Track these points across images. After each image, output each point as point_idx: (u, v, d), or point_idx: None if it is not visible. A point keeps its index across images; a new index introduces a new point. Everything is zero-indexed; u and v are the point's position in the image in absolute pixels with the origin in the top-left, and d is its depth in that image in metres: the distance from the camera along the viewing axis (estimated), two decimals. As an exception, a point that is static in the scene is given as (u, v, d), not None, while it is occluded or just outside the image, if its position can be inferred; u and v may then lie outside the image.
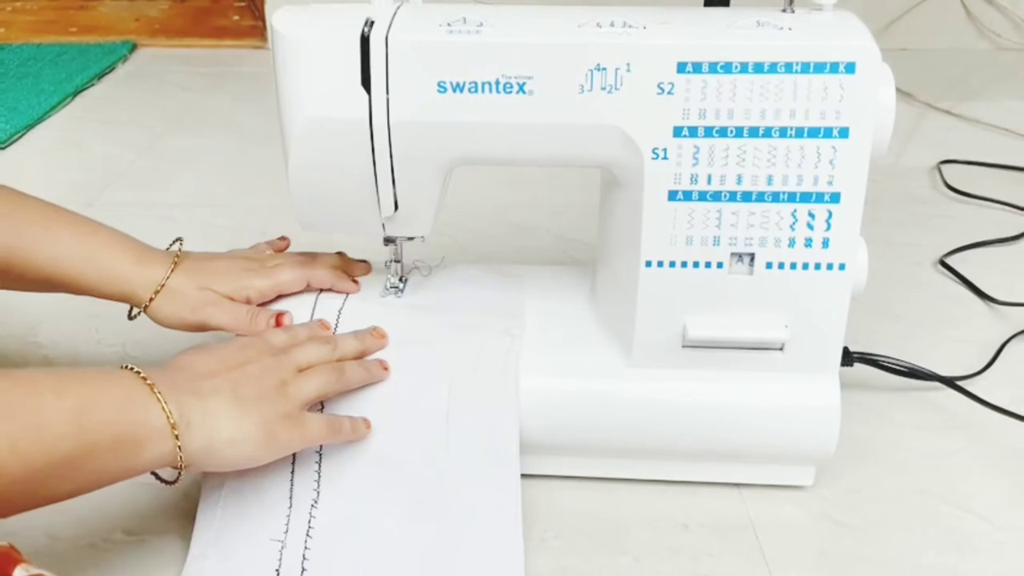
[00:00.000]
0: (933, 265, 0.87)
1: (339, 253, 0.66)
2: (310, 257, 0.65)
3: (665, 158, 0.53)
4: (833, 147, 0.52)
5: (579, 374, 0.58)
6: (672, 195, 0.54)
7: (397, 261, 0.63)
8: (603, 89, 0.52)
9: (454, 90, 0.52)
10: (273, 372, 0.53)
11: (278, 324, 0.60)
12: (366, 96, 0.52)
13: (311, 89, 0.53)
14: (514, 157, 0.54)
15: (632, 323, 0.57)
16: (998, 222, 0.94)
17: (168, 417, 0.48)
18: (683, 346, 0.57)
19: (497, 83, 0.52)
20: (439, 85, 0.52)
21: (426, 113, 0.53)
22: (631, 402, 0.57)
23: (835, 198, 0.53)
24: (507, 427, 0.56)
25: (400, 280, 0.64)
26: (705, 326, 0.56)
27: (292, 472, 0.55)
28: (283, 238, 0.68)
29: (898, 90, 0.52)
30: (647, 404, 0.57)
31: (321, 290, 0.63)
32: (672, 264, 0.55)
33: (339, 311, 0.62)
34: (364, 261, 0.65)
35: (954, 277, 0.85)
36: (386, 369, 0.58)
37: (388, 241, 0.62)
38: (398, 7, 0.54)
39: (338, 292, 0.63)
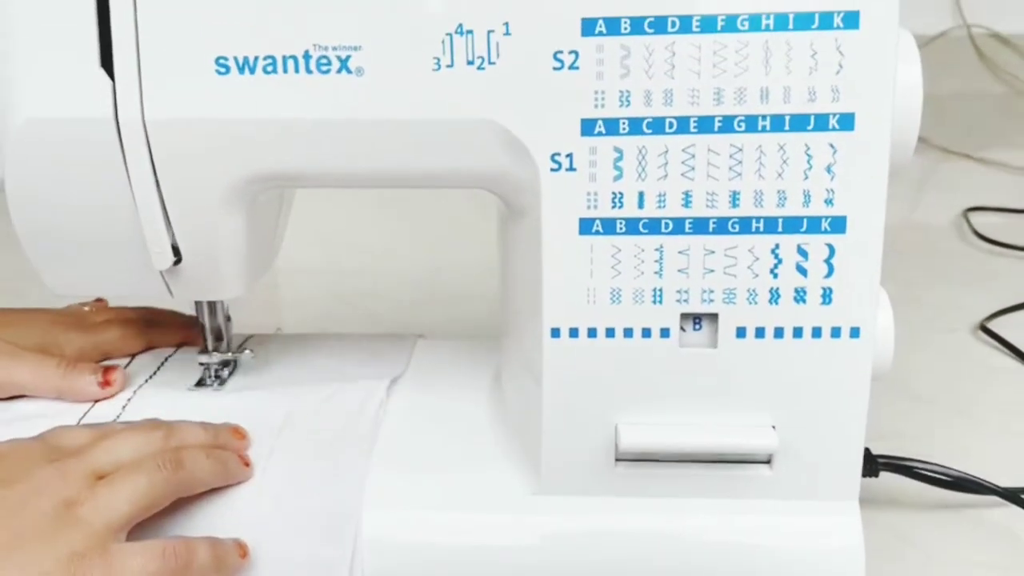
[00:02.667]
0: (972, 331, 0.68)
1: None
2: (149, 311, 0.48)
3: (571, 168, 0.34)
4: (831, 144, 0.33)
5: (457, 505, 0.38)
6: (586, 225, 0.35)
7: (217, 338, 0.45)
8: (470, 64, 0.34)
9: (241, 70, 0.34)
10: (51, 489, 0.34)
11: (106, 382, 0.43)
12: (109, 83, 0.34)
13: (27, 75, 0.35)
14: (342, 172, 0.36)
15: (539, 424, 0.37)
16: (1044, 277, 0.75)
17: None
18: (616, 460, 0.37)
19: (307, 58, 0.34)
20: (218, 63, 0.34)
21: (201, 106, 0.34)
22: (537, 548, 0.37)
23: (838, 225, 0.34)
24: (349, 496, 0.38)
25: (223, 365, 0.45)
26: (646, 429, 0.36)
27: None
28: (100, 300, 0.50)
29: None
30: (561, 551, 0.37)
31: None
32: (592, 333, 0.36)
33: (122, 407, 0.42)
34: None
35: (1001, 346, 0.66)
36: (248, 466, 0.39)
37: (198, 305, 0.43)
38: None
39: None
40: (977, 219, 0.87)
